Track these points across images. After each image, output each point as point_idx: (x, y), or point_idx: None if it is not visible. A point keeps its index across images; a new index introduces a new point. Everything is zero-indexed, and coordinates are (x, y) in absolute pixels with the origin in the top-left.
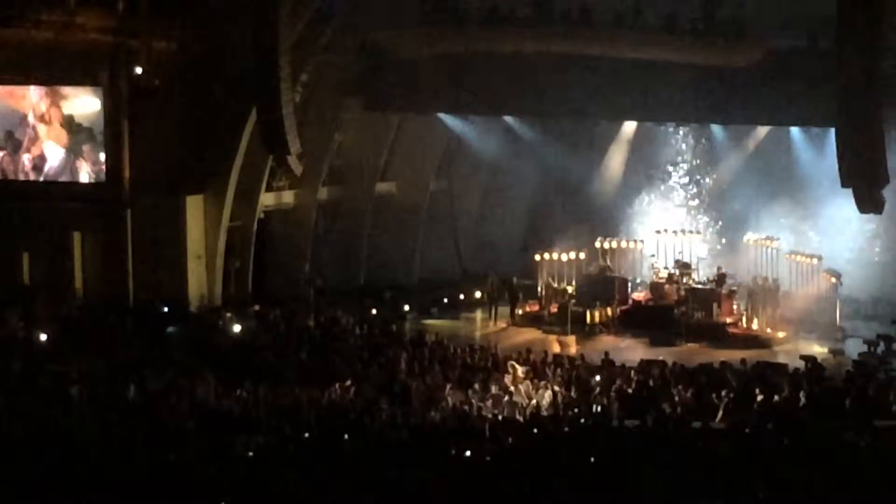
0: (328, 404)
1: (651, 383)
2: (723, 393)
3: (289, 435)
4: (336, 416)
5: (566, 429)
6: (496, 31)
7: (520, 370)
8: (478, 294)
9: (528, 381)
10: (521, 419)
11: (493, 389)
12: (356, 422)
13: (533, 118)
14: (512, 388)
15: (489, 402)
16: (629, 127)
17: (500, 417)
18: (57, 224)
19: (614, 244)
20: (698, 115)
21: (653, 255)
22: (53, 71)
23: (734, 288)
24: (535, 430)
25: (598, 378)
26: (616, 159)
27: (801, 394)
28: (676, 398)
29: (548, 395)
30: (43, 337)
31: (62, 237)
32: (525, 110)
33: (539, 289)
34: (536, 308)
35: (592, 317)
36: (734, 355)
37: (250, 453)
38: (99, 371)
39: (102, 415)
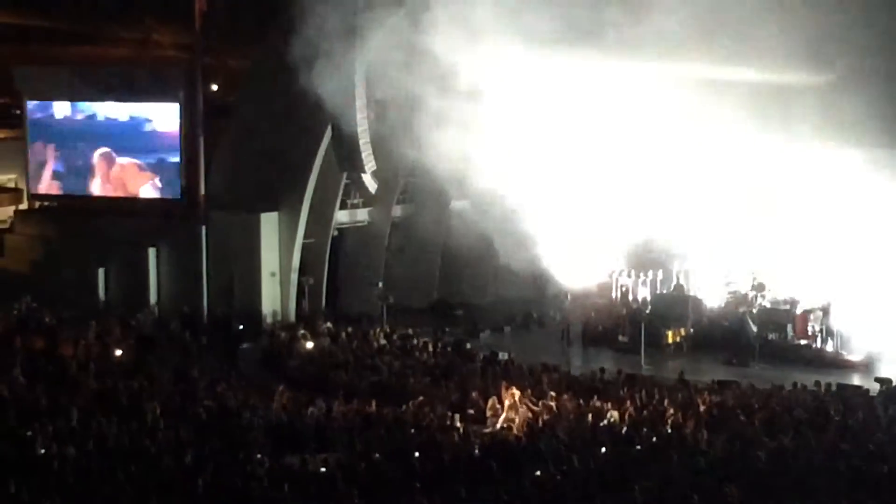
0: (401, 421)
1: (725, 404)
2: (796, 414)
3: (361, 452)
4: (409, 433)
5: (638, 447)
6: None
7: (515, 395)
8: (552, 313)
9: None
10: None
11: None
12: (429, 439)
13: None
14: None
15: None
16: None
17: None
18: (132, 240)
19: (688, 264)
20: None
21: (728, 281)
22: (131, 87)
23: (809, 308)
24: (604, 450)
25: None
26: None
27: (881, 416)
28: (748, 419)
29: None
30: (118, 352)
31: (137, 253)
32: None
33: (613, 309)
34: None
35: (667, 337)
36: (808, 377)
37: (322, 470)
38: (173, 387)
39: (176, 430)
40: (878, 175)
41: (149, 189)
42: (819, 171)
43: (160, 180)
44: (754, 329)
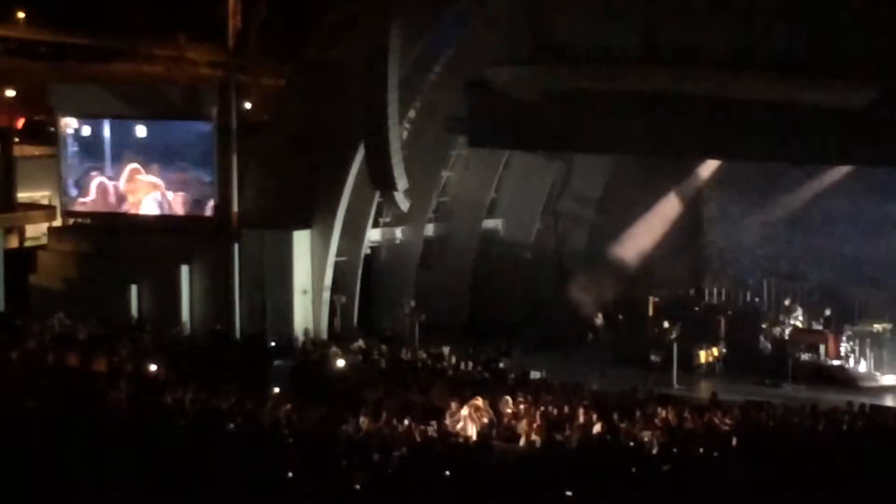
0: (433, 439)
1: (757, 425)
2: (828, 436)
3: (394, 469)
4: (440, 451)
5: (664, 468)
6: (605, 70)
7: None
8: (584, 332)
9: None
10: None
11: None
12: (461, 457)
13: (638, 156)
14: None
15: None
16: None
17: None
18: (165, 257)
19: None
20: (811, 156)
21: (758, 299)
22: (164, 105)
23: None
24: (634, 469)
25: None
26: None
27: None
28: (780, 441)
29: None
30: (151, 369)
31: (170, 270)
32: (629, 148)
33: (645, 328)
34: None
35: (699, 357)
36: (841, 397)
37: (357, 487)
38: (205, 404)
39: (208, 447)
40: None
41: (181, 206)
42: (850, 191)
43: (193, 198)
44: (768, 346)
